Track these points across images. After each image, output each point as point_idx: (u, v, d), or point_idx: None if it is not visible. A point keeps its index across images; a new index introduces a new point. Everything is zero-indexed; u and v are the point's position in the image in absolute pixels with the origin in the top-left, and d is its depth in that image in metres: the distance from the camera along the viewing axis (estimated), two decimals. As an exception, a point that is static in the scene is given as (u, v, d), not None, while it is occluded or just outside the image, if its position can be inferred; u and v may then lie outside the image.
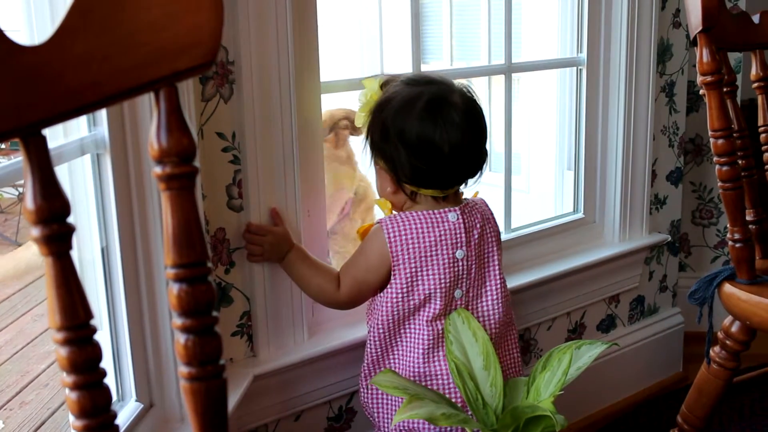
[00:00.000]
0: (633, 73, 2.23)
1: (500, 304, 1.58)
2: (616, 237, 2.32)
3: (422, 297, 1.52)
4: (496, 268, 1.59)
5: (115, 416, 0.81)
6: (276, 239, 1.58)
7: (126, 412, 1.33)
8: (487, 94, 2.91)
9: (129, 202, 1.29)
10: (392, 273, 1.52)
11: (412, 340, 1.53)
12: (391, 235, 1.52)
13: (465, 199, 1.62)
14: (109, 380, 1.32)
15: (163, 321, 1.35)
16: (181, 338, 0.83)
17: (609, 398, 2.39)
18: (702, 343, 1.92)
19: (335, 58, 4.33)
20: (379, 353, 1.57)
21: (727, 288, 1.77)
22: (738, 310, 1.75)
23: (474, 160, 1.54)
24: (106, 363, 1.33)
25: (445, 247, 1.52)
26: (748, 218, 1.82)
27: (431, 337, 1.52)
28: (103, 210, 1.28)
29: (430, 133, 1.48)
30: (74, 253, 0.77)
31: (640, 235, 2.36)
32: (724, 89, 1.79)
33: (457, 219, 1.53)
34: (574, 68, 2.23)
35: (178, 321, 0.83)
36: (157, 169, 0.82)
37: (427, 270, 1.52)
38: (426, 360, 1.52)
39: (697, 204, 2.76)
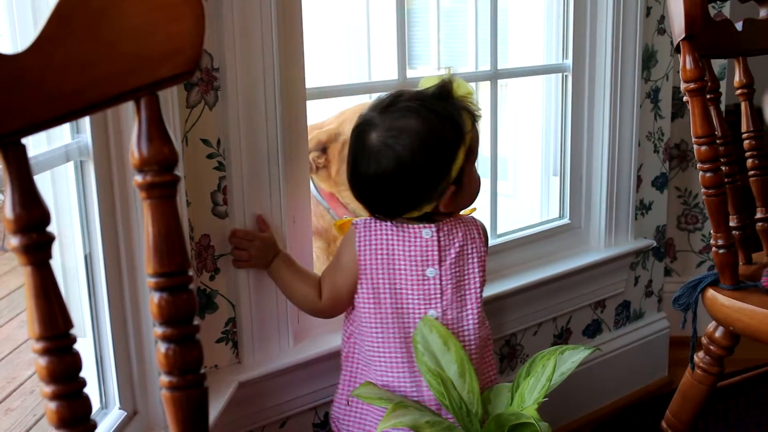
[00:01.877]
0: (618, 79, 2.24)
1: (477, 326, 1.52)
2: (601, 242, 2.32)
3: (389, 311, 1.49)
4: (477, 290, 1.53)
5: (95, 426, 0.81)
6: (263, 245, 1.57)
7: (109, 419, 1.32)
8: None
9: (112, 209, 1.28)
10: (359, 279, 1.50)
11: (388, 357, 1.49)
12: (362, 238, 1.50)
13: (450, 216, 1.56)
14: (93, 388, 1.32)
15: (147, 328, 1.35)
16: (161, 347, 0.83)
17: (594, 403, 2.39)
18: (687, 348, 1.93)
19: (321, 64, 4.33)
20: (353, 370, 1.55)
21: (711, 293, 1.77)
22: (721, 316, 1.75)
23: (402, 189, 1.46)
24: (90, 370, 1.33)
25: (414, 264, 1.49)
26: (731, 224, 1.82)
27: (408, 355, 1.48)
28: (87, 217, 1.27)
29: (351, 161, 1.50)
30: (57, 261, 0.77)
31: (625, 240, 2.37)
32: (708, 96, 1.80)
33: (431, 236, 1.49)
34: (560, 74, 2.24)
35: (158, 330, 0.83)
36: (138, 178, 0.82)
37: (393, 284, 1.49)
38: (404, 377, 1.48)
39: (682, 209, 2.76)
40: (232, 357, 1.64)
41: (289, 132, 1.63)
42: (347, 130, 2.10)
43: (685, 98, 1.72)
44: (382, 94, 1.54)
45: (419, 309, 1.49)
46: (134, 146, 0.82)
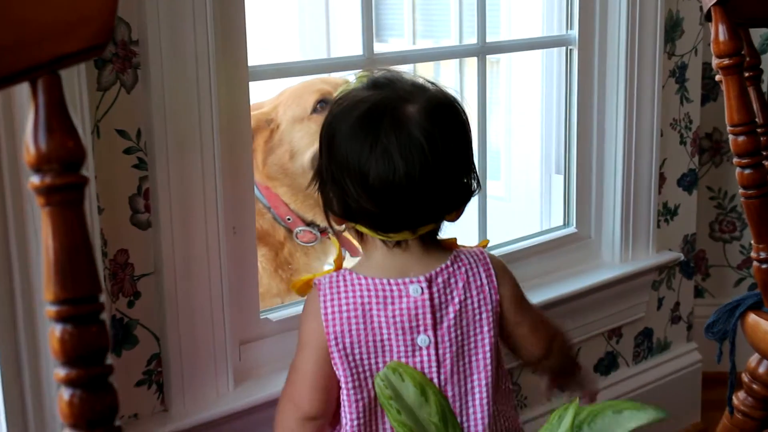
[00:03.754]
0: (635, 53, 2.23)
1: (487, 403, 1.49)
2: (616, 256, 2.31)
3: (374, 395, 1.44)
4: (486, 356, 1.49)
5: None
6: None
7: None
8: (458, 80, 2.93)
9: (3, 220, 1.27)
10: (331, 359, 1.45)
11: None
12: (328, 302, 1.46)
13: (445, 249, 1.52)
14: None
15: (47, 371, 1.33)
16: (65, 393, 0.82)
17: (611, 456, 2.40)
18: (724, 387, 1.94)
19: (268, 38, 4.32)
20: None
21: (753, 319, 1.78)
22: (765, 346, 1.76)
23: (430, 197, 1.43)
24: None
25: (400, 331, 1.45)
26: (777, 232, 1.84)
27: None
28: (-29, 229, 1.26)
29: (356, 154, 1.40)
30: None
31: (646, 253, 2.36)
32: (746, 74, 1.81)
33: (421, 294, 1.45)
34: (563, 48, 2.23)
35: (61, 372, 0.83)
36: (35, 179, 0.82)
37: (375, 359, 1.46)
38: None
39: (716, 214, 2.78)
40: (156, 404, 1.62)
41: (228, 120, 1.62)
42: (281, 116, 2.11)
43: (717, 77, 1.74)
44: (373, 72, 1.52)
45: None
46: (30, 140, 0.81)
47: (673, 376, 2.51)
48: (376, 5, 1.88)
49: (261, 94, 2.07)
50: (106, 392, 0.83)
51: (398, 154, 1.38)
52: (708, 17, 1.72)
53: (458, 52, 2.32)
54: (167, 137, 1.54)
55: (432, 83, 1.49)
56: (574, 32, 2.21)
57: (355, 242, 1.60)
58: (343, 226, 1.52)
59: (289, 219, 2.17)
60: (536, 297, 2.12)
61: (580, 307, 2.23)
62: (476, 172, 1.50)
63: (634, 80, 2.26)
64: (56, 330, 0.82)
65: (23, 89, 1.23)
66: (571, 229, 2.31)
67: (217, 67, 1.57)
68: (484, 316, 1.50)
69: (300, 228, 2.18)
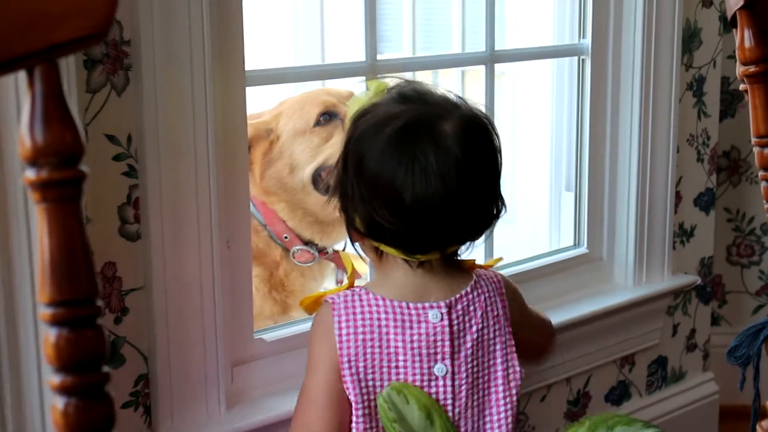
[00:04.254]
0: (651, 64, 2.24)
1: None
2: (629, 278, 2.32)
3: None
4: (500, 386, 1.51)
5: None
6: None
7: None
8: (459, 93, 2.93)
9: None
10: (343, 383, 1.45)
11: None
12: (343, 322, 1.46)
13: (464, 271, 1.55)
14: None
15: (29, 381, 1.33)
16: (59, 402, 0.82)
17: (622, 492, 2.39)
18: (745, 420, 1.93)
19: (258, 44, 4.32)
20: None
21: (778, 343, 1.78)
22: (791, 373, 1.76)
23: (464, 218, 1.46)
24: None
25: (417, 358, 1.45)
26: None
27: None
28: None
29: (390, 172, 1.41)
30: None
31: (660, 276, 2.36)
32: (771, 84, 1.82)
33: (441, 320, 1.46)
34: (575, 58, 2.25)
35: (55, 379, 0.82)
36: (30, 174, 0.81)
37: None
38: None
39: (733, 237, 2.78)
40: (143, 427, 1.61)
41: (223, 127, 1.62)
42: (281, 127, 2.11)
43: (742, 86, 1.73)
44: (391, 83, 1.53)
45: None
46: (25, 131, 0.81)
47: (689, 407, 2.51)
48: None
49: (257, 104, 2.07)
50: (103, 401, 0.82)
51: (436, 173, 1.39)
52: (733, 23, 1.73)
53: (465, 60, 2.33)
54: (159, 143, 1.54)
55: (460, 98, 1.51)
56: (587, 41, 2.22)
57: (368, 259, 1.60)
58: (358, 243, 1.53)
59: (286, 237, 2.16)
60: (545, 321, 2.12)
61: (590, 332, 2.23)
62: (501, 196, 1.52)
63: (649, 93, 2.26)
64: (51, 334, 0.81)
65: (8, 80, 1.24)
66: (582, 249, 2.31)
67: (213, 69, 1.57)
68: (498, 343, 1.52)
69: (297, 247, 2.17)
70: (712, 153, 2.51)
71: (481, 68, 2.09)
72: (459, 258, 1.55)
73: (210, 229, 1.61)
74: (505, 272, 2.14)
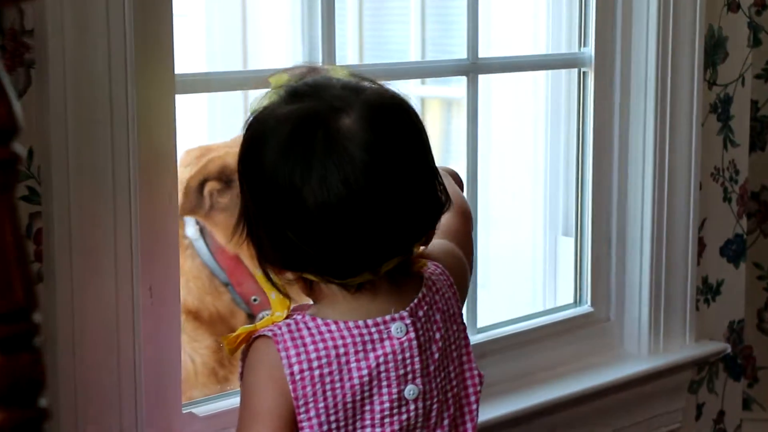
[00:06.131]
0: (668, 79, 2.26)
1: None
2: (643, 345, 2.33)
3: None
4: (471, 396, 1.57)
5: None
6: None
7: None
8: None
9: None
10: (299, 430, 1.44)
11: None
12: (293, 357, 1.44)
13: (413, 274, 1.55)
14: None
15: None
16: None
17: None
18: None
19: (197, 41, 4.34)
20: None
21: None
22: None
23: (387, 223, 1.46)
24: None
25: (385, 383, 1.47)
26: None
27: None
28: None
29: (286, 187, 1.44)
30: None
31: (681, 342, 2.37)
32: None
33: (406, 333, 1.48)
34: (575, 70, 2.27)
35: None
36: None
37: (355, 425, 1.48)
38: None
39: (766, 298, 2.79)
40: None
41: (148, 141, 1.62)
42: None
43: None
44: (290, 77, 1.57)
45: None
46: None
47: None
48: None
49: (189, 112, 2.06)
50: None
51: (339, 180, 1.42)
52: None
53: (444, 70, 2.34)
54: (69, 160, 1.52)
55: (368, 80, 1.52)
56: (589, 50, 2.23)
57: (304, 294, 1.59)
58: (288, 276, 1.51)
59: (255, 300, 2.13)
60: (537, 397, 2.12)
61: (596, 410, 2.23)
62: (442, 183, 1.52)
63: (666, 114, 2.27)
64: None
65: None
66: (585, 308, 2.31)
67: (134, 71, 1.57)
68: (461, 353, 1.58)
69: (266, 312, 2.14)
70: (741, 191, 2.51)
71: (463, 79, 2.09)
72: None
73: (131, 272, 1.59)
74: (489, 335, 2.15)
